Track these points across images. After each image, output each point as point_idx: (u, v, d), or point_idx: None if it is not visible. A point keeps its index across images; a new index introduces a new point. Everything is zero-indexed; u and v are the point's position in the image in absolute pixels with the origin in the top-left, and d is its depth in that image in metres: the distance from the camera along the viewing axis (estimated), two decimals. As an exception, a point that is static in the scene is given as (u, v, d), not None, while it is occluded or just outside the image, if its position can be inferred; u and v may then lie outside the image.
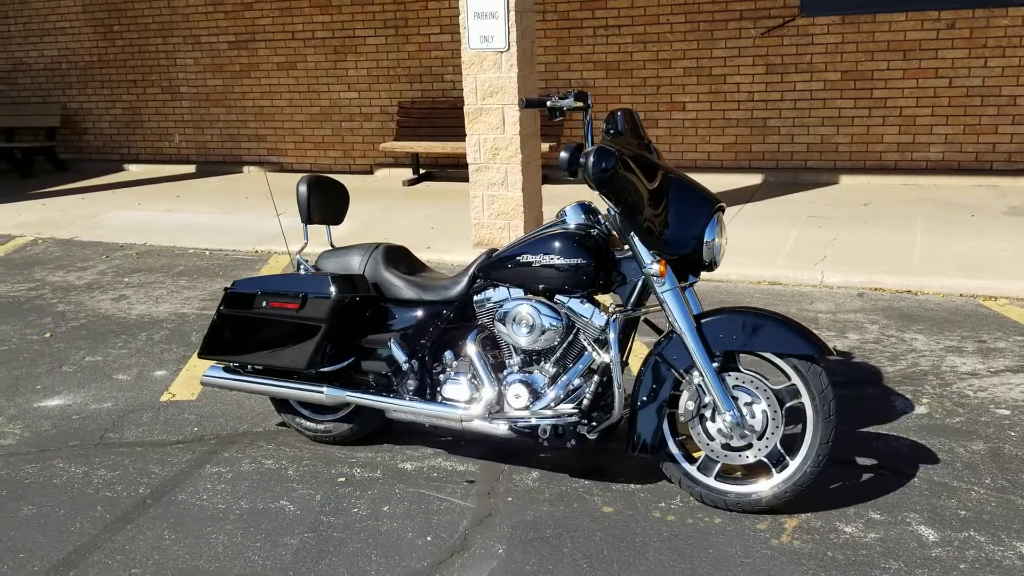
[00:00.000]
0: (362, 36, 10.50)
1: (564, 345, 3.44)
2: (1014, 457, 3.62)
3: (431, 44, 10.21)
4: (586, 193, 3.65)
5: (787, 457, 3.24)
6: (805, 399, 3.18)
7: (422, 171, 10.21)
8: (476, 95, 6.85)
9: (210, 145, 11.70)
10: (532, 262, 3.40)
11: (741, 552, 3.06)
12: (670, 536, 3.16)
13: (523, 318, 3.42)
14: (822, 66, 8.99)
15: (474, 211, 7.13)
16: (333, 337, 3.67)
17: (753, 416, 3.22)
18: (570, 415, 3.37)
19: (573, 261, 3.34)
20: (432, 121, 10.01)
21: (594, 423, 3.39)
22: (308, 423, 3.98)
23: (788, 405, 3.23)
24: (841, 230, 7.14)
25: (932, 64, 8.67)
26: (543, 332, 3.40)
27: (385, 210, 8.71)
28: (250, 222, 8.56)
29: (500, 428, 3.48)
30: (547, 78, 9.71)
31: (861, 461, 3.65)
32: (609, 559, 3.05)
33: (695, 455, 3.38)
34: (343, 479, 3.68)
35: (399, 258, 3.85)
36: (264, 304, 3.71)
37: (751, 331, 3.21)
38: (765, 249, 6.71)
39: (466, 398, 3.58)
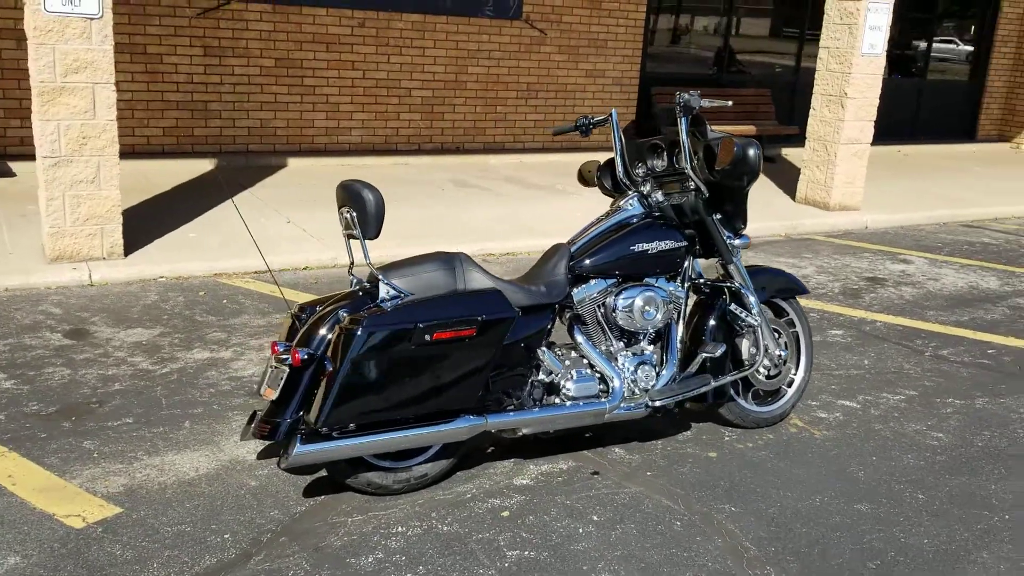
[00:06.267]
0: None
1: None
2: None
3: None
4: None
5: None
6: (799, 327, 4.24)
7: None
8: (55, 70, 5.38)
9: None
10: (646, 251, 3.62)
11: (823, 449, 4.00)
12: (775, 456, 3.90)
13: (648, 303, 3.61)
14: (258, 52, 9.14)
15: (51, 217, 5.59)
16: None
17: (781, 348, 4.13)
18: (703, 384, 3.74)
19: (677, 245, 3.70)
20: None
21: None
22: (395, 475, 3.29)
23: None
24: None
25: (349, 57, 9.66)
26: (666, 311, 3.67)
27: None
28: None
29: (641, 411, 3.62)
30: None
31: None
32: (781, 481, 3.66)
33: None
34: (506, 512, 3.28)
35: (472, 265, 3.47)
36: (426, 338, 2.98)
37: (772, 282, 4.11)
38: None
39: (594, 392, 3.57)
